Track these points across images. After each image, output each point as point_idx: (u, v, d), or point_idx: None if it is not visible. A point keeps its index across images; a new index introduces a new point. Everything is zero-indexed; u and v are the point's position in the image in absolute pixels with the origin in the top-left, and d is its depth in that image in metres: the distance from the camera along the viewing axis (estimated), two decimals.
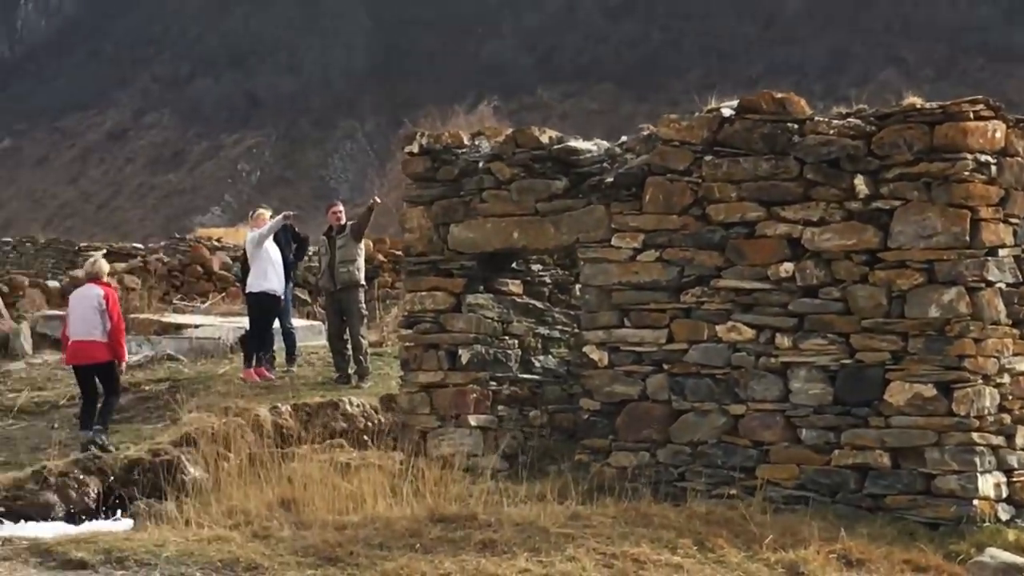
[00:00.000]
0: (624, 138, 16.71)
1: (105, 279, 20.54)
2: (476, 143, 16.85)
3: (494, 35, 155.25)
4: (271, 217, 24.60)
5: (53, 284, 36.43)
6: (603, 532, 12.79)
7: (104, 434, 19.58)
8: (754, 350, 14.92)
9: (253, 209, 25.57)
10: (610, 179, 15.69)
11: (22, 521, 16.70)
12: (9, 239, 53.89)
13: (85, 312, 19.89)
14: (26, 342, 29.64)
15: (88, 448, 19.10)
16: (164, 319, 30.77)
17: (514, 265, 17.41)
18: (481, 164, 16.48)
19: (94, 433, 19.41)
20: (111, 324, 19.76)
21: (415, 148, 16.96)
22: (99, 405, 20.09)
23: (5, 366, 27.67)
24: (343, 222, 23.63)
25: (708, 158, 15.17)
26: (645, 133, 16.08)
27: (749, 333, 14.96)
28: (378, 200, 25.17)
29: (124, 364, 20.87)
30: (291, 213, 25.34)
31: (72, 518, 17.05)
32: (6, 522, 16.51)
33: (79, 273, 37.24)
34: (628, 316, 15.51)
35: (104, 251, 45.37)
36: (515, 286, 17.28)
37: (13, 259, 47.53)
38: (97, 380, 20.20)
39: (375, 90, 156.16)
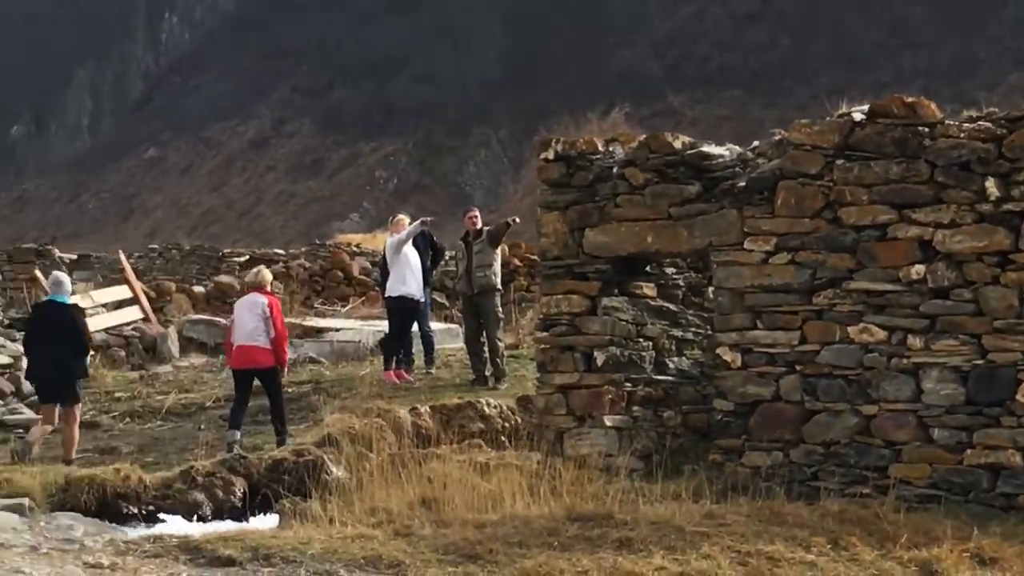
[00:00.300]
0: (756, 143, 16.64)
1: (266, 287, 20.90)
2: (610, 149, 16.84)
3: (625, 44, 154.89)
4: (410, 223, 24.77)
5: (199, 289, 36.86)
6: (737, 530, 12.74)
7: (286, 435, 19.95)
8: (886, 351, 14.81)
9: (393, 215, 25.75)
10: (742, 183, 15.64)
11: (171, 519, 16.91)
12: (156, 246, 54.56)
13: (249, 319, 20.30)
14: (173, 346, 30.04)
15: (233, 448, 19.39)
16: (306, 323, 31.03)
17: (648, 268, 17.36)
18: (615, 170, 16.47)
19: (280, 440, 19.88)
20: (275, 331, 20.25)
21: (550, 155, 16.97)
22: (249, 409, 20.61)
23: (153, 369, 28.04)
24: (479, 227, 23.71)
25: (839, 162, 15.08)
26: (776, 138, 16.00)
27: (881, 334, 14.85)
28: (517, 220, 25.18)
29: (286, 368, 21.44)
30: (428, 219, 25.45)
31: (219, 516, 17.21)
32: (157, 520, 16.71)
33: (223, 278, 37.77)
34: (761, 318, 15.44)
35: (247, 257, 45.92)
36: (649, 289, 17.24)
37: (160, 265, 48.12)
38: (260, 383, 20.73)
39: (509, 98, 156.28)
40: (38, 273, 35.70)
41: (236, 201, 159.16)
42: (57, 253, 44.60)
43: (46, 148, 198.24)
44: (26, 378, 22.89)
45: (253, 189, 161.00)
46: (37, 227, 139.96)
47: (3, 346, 26.30)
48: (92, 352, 22.00)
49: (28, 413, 23.92)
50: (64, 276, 21.24)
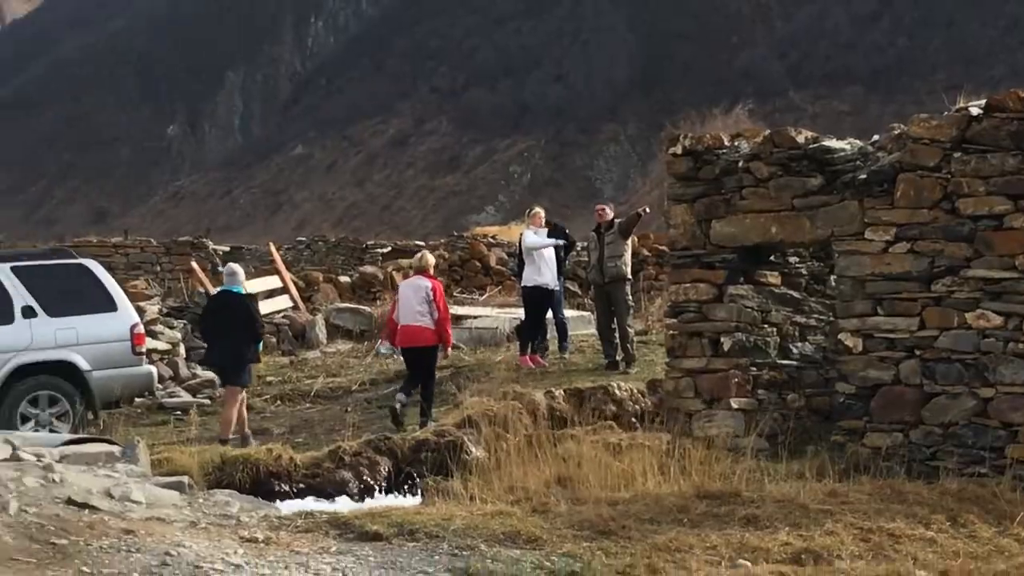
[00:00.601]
0: (876, 137, 16.51)
1: (429, 271, 21.18)
2: (736, 144, 16.79)
3: (748, 44, 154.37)
4: (544, 216, 24.83)
5: (344, 279, 37.13)
6: (859, 508, 12.67)
7: (430, 418, 20.15)
8: (1002, 336, 14.64)
9: (529, 208, 25.75)
10: (863, 176, 15.52)
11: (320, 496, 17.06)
12: (303, 238, 55.07)
13: (414, 301, 20.57)
14: (321, 332, 30.27)
15: (394, 411, 19.97)
16: None
17: (772, 258, 17.29)
18: (740, 163, 16.41)
19: (423, 421, 20.07)
20: (438, 313, 20.46)
21: (679, 149, 16.95)
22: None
23: (302, 355, 28.27)
24: (611, 219, 23.71)
25: (957, 155, 14.92)
26: (896, 132, 15.87)
27: (997, 320, 14.68)
28: (647, 210, 25.24)
29: (450, 348, 21.66)
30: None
31: (365, 494, 17.34)
32: (307, 498, 16.86)
33: (367, 269, 38.00)
34: (881, 305, 15.33)
35: (389, 248, 46.20)
36: (773, 277, 17.17)
37: (307, 256, 48.54)
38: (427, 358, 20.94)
39: (637, 97, 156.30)
40: (194, 264, 36.13)
41: (378, 196, 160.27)
42: (211, 246, 45.11)
43: (200, 147, 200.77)
44: (204, 363, 23.21)
45: (394, 184, 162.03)
46: (192, 221, 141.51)
47: (162, 333, 26.62)
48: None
49: (185, 396, 24.22)
50: (238, 267, 21.55)
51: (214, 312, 20.89)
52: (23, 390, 19.83)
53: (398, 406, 20.12)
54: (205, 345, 22.46)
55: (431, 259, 22.16)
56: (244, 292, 20.98)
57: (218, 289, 22.68)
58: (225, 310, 20.40)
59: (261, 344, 21.58)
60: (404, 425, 19.76)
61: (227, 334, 20.00)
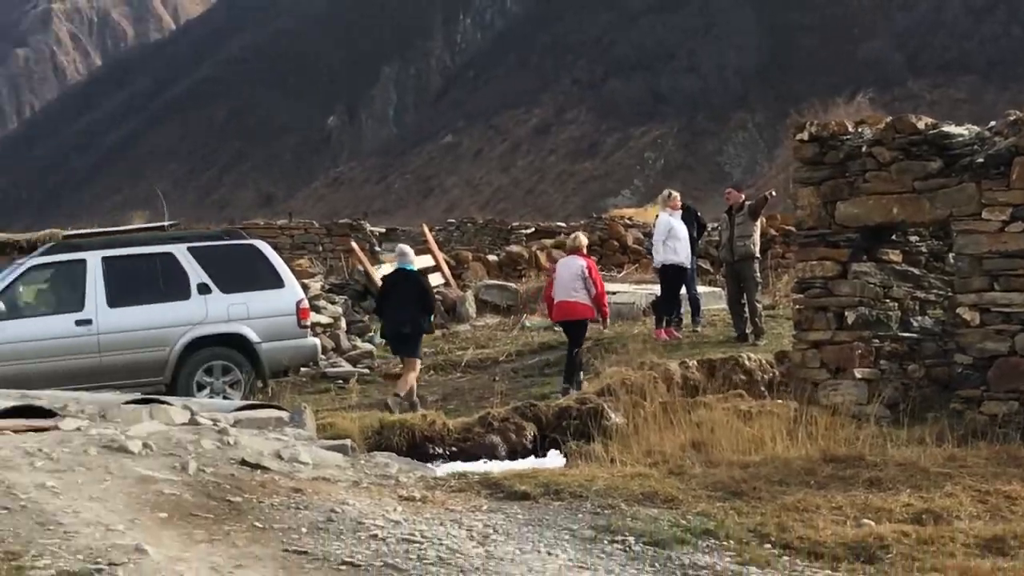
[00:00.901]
0: (992, 123, 16.29)
1: (583, 250, 21.45)
2: (859, 130, 16.63)
3: (869, 36, 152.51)
4: (678, 199, 24.77)
5: (492, 258, 37.25)
6: (977, 472, 12.52)
7: (573, 386, 20.36)
8: None
9: (667, 192, 25.73)
10: (980, 160, 15.32)
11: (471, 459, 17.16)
12: (453, 220, 55.26)
13: (569, 279, 20.93)
14: (470, 307, 30.41)
15: (567, 390, 20.12)
16: None
17: (893, 237, 17.12)
18: (864, 148, 16.26)
19: (565, 389, 20.34)
20: (595, 289, 20.86)
21: (805, 136, 16.82)
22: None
23: (453, 328, 28.41)
24: (741, 201, 23.66)
25: None
26: (1012, 118, 15.64)
27: None
28: (773, 193, 25.23)
29: (607, 320, 22.17)
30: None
31: (512, 457, 17.41)
32: (458, 460, 16.97)
33: (513, 248, 38.09)
34: (997, 281, 15.13)
35: (533, 229, 46.24)
36: (894, 255, 16.99)
37: (457, 237, 48.70)
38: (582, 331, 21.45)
39: (764, 86, 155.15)
40: (354, 244, 36.39)
41: (522, 180, 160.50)
42: (368, 227, 45.37)
43: (358, 136, 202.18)
44: (381, 336, 23.45)
45: (537, 170, 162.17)
46: (350, 205, 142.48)
47: (324, 308, 26.89)
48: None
49: (346, 366, 24.45)
50: (407, 248, 21.92)
51: (389, 288, 21.18)
52: (199, 360, 20.19)
53: (573, 389, 20.32)
54: (377, 318, 22.72)
55: (584, 239, 22.62)
56: (415, 269, 21.32)
57: (392, 267, 22.90)
58: (399, 286, 20.73)
59: (433, 316, 21.93)
60: (583, 385, 20.06)
61: (402, 308, 20.32)
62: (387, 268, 32.47)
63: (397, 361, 22.72)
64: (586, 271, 20.79)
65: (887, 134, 16.13)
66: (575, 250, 21.63)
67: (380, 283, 23.76)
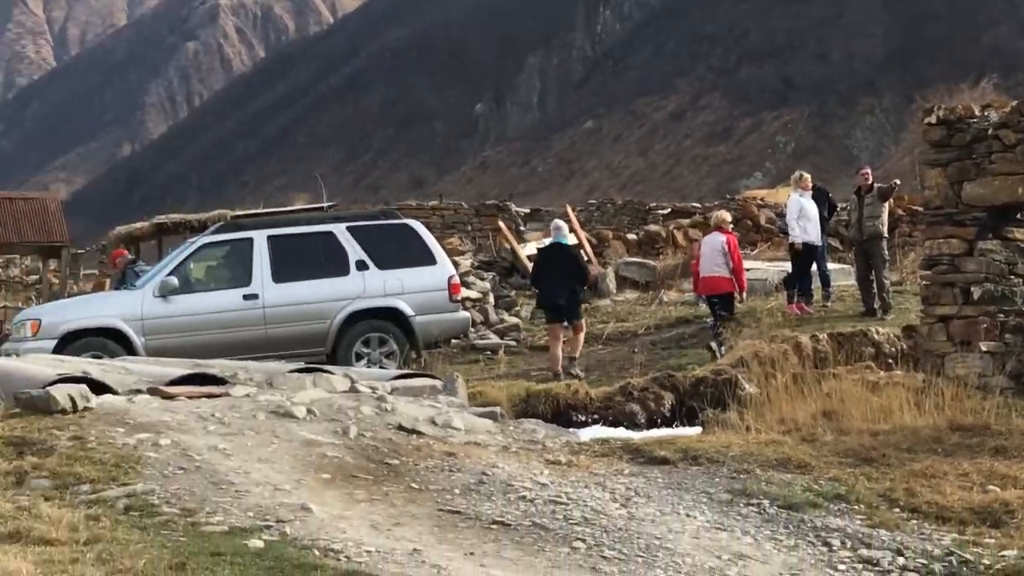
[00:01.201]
0: None
1: (725, 227, 21.61)
2: (985, 114, 16.36)
3: (994, 22, 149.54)
4: (809, 180, 24.53)
5: (631, 237, 37.14)
6: None
7: (717, 351, 20.39)
8: None
9: (798, 173, 25.46)
10: None
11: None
12: (594, 201, 55.14)
13: (711, 254, 21.34)
14: (611, 283, 30.36)
15: (712, 350, 20.28)
16: None
17: (1019, 216, 16.85)
18: (990, 131, 16.00)
19: (715, 343, 20.64)
20: (733, 264, 21.14)
21: (933, 119, 16.59)
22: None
23: (595, 303, 28.39)
24: (870, 183, 23.43)
25: None
26: None
27: None
28: (898, 183, 25.01)
29: (744, 293, 22.32)
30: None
31: (651, 425, 17.38)
32: (600, 427, 16.97)
33: (651, 227, 37.96)
34: None
35: (669, 209, 46.01)
36: (1020, 233, 16.67)
37: (597, 217, 48.53)
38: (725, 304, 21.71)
39: (891, 73, 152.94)
40: (501, 224, 36.51)
41: (659, 163, 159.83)
42: (514, 208, 45.39)
43: (504, 122, 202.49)
44: (538, 306, 23.52)
45: (673, 153, 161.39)
46: (496, 187, 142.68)
47: (474, 283, 27.00)
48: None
49: (494, 339, 24.55)
50: (562, 223, 22.31)
51: (545, 261, 21.44)
52: (357, 332, 20.39)
53: (714, 346, 20.49)
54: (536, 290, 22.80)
55: (727, 216, 23.00)
56: (569, 244, 21.57)
57: (548, 242, 23.00)
58: (555, 259, 20.95)
59: (586, 285, 22.26)
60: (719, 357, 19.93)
61: (559, 280, 20.56)
62: (532, 246, 32.55)
63: (543, 334, 22.80)
64: (726, 246, 20.99)
65: (1012, 117, 15.87)
66: (717, 227, 21.81)
67: (536, 256, 23.92)
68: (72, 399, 11.15)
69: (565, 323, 20.83)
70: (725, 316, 21.55)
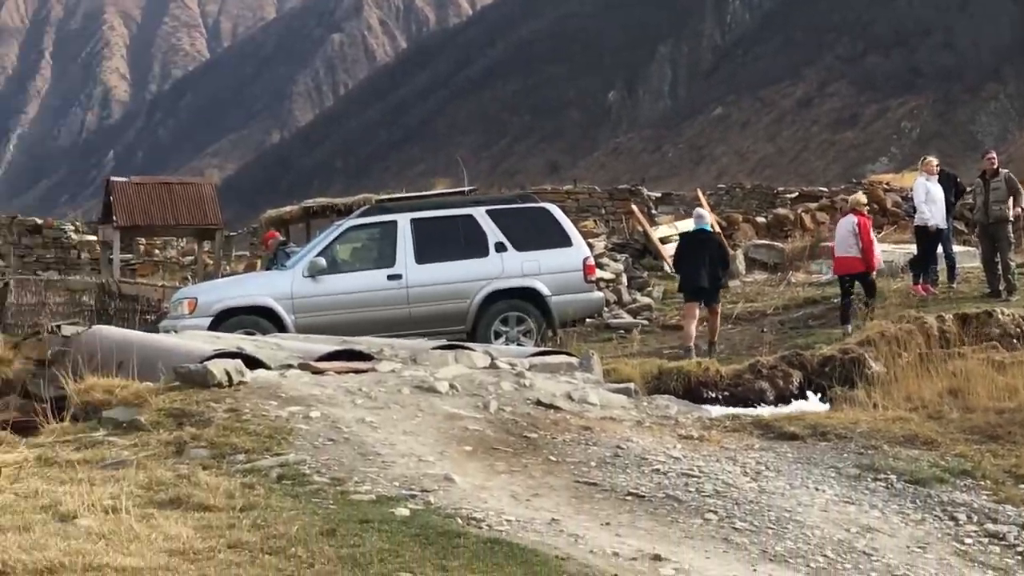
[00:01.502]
0: None
1: (860, 209, 21.63)
2: None
3: None
4: (936, 165, 24.16)
5: (760, 220, 36.87)
6: None
7: (851, 322, 20.38)
8: None
9: (922, 157, 25.08)
10: None
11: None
12: (723, 185, 54.88)
13: (844, 235, 21.30)
14: (740, 265, 30.16)
15: (847, 334, 19.85)
16: None
17: None
18: None
19: (846, 327, 20.38)
20: (863, 244, 20.93)
21: None
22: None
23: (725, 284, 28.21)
24: (996, 167, 23.05)
25: None
26: None
27: None
28: None
29: (875, 272, 21.92)
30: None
31: (779, 401, 17.23)
32: (730, 404, 16.86)
33: (779, 211, 37.66)
34: None
35: (797, 194, 45.58)
36: None
37: (726, 201, 48.25)
38: (856, 285, 21.49)
39: (1016, 59, 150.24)
40: (634, 207, 36.40)
41: (786, 149, 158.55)
42: (645, 192, 45.23)
43: (635, 109, 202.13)
44: (680, 289, 23.45)
45: (800, 139, 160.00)
46: (628, 172, 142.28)
47: (607, 265, 26.95)
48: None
49: (627, 318, 24.49)
50: (705, 211, 22.45)
51: (688, 246, 21.47)
52: (496, 311, 20.44)
53: (849, 328, 20.27)
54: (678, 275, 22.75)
55: (862, 198, 22.88)
56: (711, 230, 21.61)
57: (691, 228, 22.93)
58: (698, 244, 20.99)
59: (727, 269, 22.36)
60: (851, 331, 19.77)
61: (702, 264, 20.55)
62: (663, 229, 32.45)
63: (674, 313, 22.74)
64: (856, 227, 20.89)
65: None
66: (852, 208, 21.74)
67: (679, 241, 23.89)
68: (228, 373, 11.32)
69: (701, 303, 20.85)
70: (870, 302, 21.40)
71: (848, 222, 21.25)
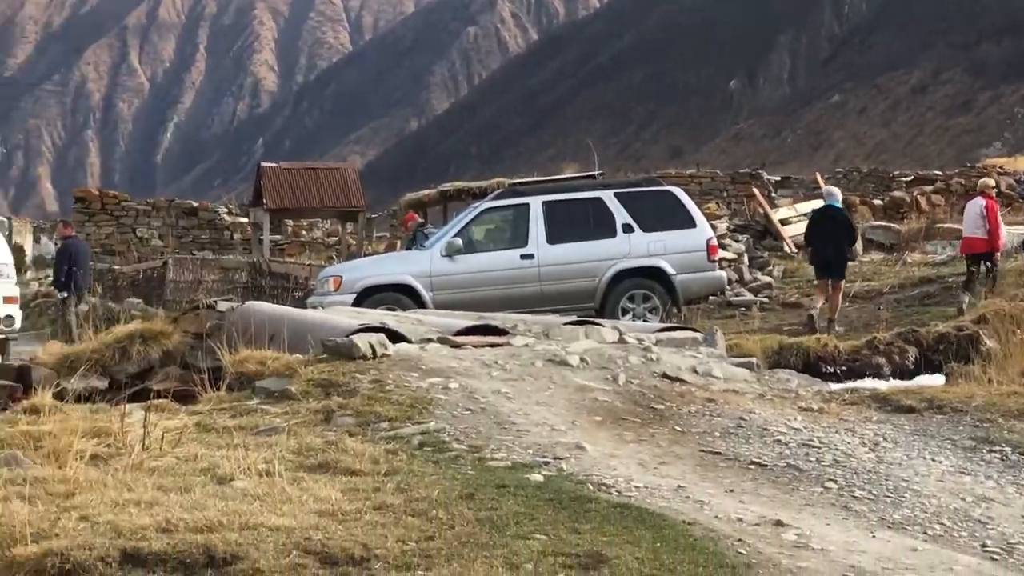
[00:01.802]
0: None
1: (988, 192, 21.69)
2: None
3: None
4: None
5: (877, 202, 36.43)
6: None
7: (973, 299, 20.20)
8: None
9: None
10: None
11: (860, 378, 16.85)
12: (840, 169, 54.30)
13: (972, 217, 21.30)
14: (858, 245, 29.77)
15: (962, 307, 19.86)
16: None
17: None
18: None
19: (967, 302, 20.18)
20: (989, 226, 20.89)
21: None
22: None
23: None
24: None
25: None
26: None
27: None
28: None
29: (998, 255, 21.72)
30: None
31: (895, 376, 17.01)
32: (848, 378, 16.68)
33: (896, 193, 37.11)
34: None
35: (912, 177, 44.91)
36: None
37: (843, 184, 47.67)
38: (980, 264, 21.40)
39: None
40: (755, 190, 36.14)
41: (902, 134, 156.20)
42: (765, 176, 44.90)
43: (756, 96, 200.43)
44: (810, 263, 23.32)
45: (915, 124, 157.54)
46: (748, 157, 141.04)
47: (729, 245, 26.83)
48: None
49: (748, 296, 24.36)
50: (835, 189, 22.40)
51: (818, 222, 21.39)
52: (623, 289, 20.41)
53: (964, 306, 20.03)
54: (809, 249, 22.58)
55: (990, 182, 22.91)
56: (841, 207, 21.52)
57: (821, 205, 22.74)
58: (828, 221, 20.99)
59: (854, 245, 22.17)
60: (966, 312, 19.43)
61: (830, 239, 20.53)
62: (783, 211, 32.17)
63: (794, 291, 22.54)
64: (984, 210, 20.71)
65: None
66: (981, 191, 21.74)
67: (809, 217, 23.75)
68: (372, 347, 11.42)
69: (830, 281, 20.69)
70: (993, 272, 21.15)
71: (976, 204, 21.07)
